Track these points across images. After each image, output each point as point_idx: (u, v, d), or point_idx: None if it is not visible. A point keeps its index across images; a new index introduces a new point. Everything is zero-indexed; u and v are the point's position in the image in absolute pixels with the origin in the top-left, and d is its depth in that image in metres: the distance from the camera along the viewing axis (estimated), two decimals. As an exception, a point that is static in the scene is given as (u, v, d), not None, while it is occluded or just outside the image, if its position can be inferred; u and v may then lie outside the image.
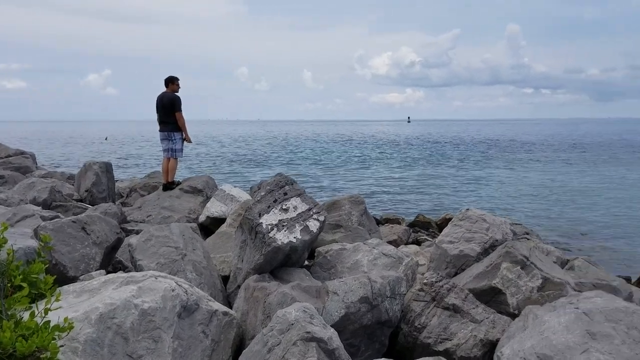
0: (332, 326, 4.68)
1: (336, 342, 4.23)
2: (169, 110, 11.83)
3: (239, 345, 5.08)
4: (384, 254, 6.78)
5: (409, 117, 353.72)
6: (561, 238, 16.21)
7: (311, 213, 6.42)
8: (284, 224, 6.06)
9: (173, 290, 4.59)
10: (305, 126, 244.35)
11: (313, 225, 6.28)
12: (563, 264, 8.17)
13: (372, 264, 6.66)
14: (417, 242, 11.48)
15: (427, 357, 4.36)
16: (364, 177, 32.73)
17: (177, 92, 12.06)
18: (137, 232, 8.57)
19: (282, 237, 5.87)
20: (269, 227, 5.93)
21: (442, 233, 7.80)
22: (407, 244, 10.81)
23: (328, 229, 8.58)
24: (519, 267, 6.22)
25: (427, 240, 11.54)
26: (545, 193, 26.12)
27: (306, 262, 7.26)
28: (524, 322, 5.00)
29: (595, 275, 7.36)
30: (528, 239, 8.81)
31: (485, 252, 7.13)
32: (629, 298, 7.02)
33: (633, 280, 11.34)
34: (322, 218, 6.44)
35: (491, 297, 6.19)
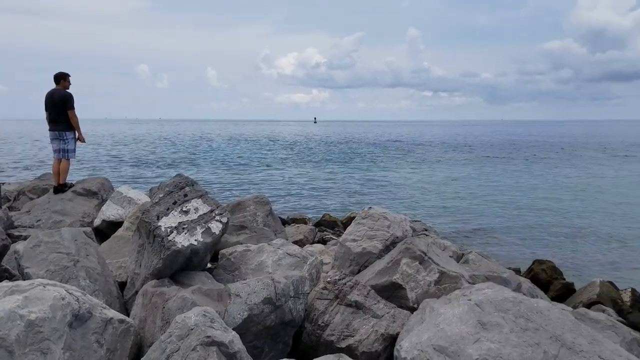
0: (234, 329, 4.58)
1: (237, 345, 4.14)
2: (60, 108, 11.14)
3: (137, 353, 4.85)
4: (288, 254, 6.77)
5: (315, 118, 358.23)
6: (458, 233, 17.07)
7: (213, 215, 6.27)
8: (184, 226, 5.87)
9: (63, 299, 4.32)
10: (210, 125, 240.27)
11: (215, 227, 6.13)
12: (459, 258, 8.57)
13: (277, 265, 6.62)
14: (323, 241, 11.59)
15: (328, 355, 4.38)
16: (271, 178, 32.69)
17: (68, 89, 11.39)
18: (25, 238, 7.99)
19: (183, 240, 5.68)
20: (168, 230, 5.72)
21: (345, 232, 7.92)
22: (312, 243, 10.89)
23: (232, 231, 8.44)
24: (417, 263, 6.43)
25: (333, 239, 11.69)
26: (444, 191, 27.42)
27: (209, 265, 7.09)
28: (421, 316, 5.17)
29: (487, 267, 7.78)
30: (427, 235, 9.17)
31: (387, 249, 7.32)
32: (518, 288, 7.48)
33: (522, 271, 12.14)
34: (224, 220, 6.31)
35: (392, 292, 6.35)
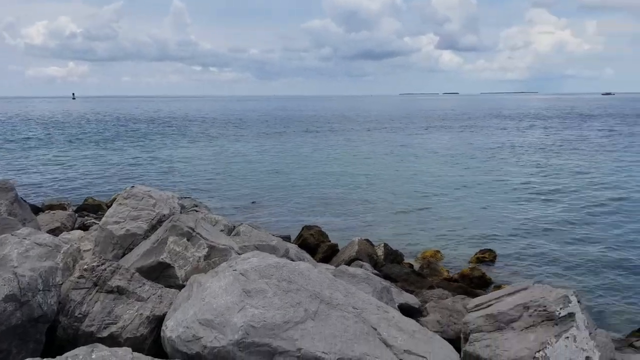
0: (-35, 337, 3.91)
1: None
2: None
3: None
4: (37, 244, 6.03)
5: (73, 94, 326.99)
6: (231, 207, 17.30)
7: None
8: None
9: None
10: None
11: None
12: (230, 230, 8.62)
13: (24, 257, 5.84)
14: (85, 227, 10.67)
15: (81, 347, 3.99)
16: (25, 161, 29.09)
17: None
18: None
19: None
20: None
21: (106, 214, 7.35)
22: (72, 229, 9.94)
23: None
24: (185, 239, 6.27)
25: (96, 223, 10.83)
26: (218, 166, 27.53)
27: None
28: (188, 292, 5.05)
29: (257, 237, 7.96)
30: (197, 211, 9.02)
31: (153, 228, 7.01)
32: (286, 254, 7.83)
33: (293, 239, 12.80)
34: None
35: (160, 272, 6.10)
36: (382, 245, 12.00)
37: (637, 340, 7.12)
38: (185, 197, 11.83)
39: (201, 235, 6.39)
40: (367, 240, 11.95)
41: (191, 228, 6.39)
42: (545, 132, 49.98)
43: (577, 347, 4.69)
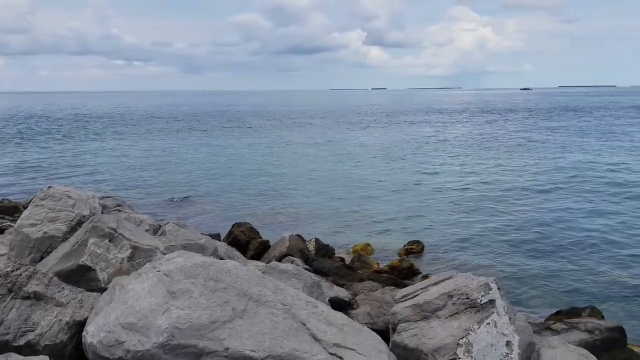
0: None
1: None
2: None
3: None
4: (-57, 250, 5.62)
5: None
6: (158, 206, 16.82)
7: None
8: None
9: None
10: None
11: None
12: (156, 230, 8.39)
13: None
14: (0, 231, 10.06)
15: (-8, 359, 3.76)
16: None
17: None
18: None
19: None
20: None
21: (21, 216, 6.95)
22: (-15, 234, 9.34)
23: None
24: (107, 241, 6.03)
25: (11, 226, 10.22)
26: (143, 164, 26.72)
27: None
28: (110, 295, 4.86)
29: (184, 236, 7.78)
30: (120, 211, 8.71)
31: (73, 230, 6.70)
32: (215, 252, 7.70)
33: (222, 237, 12.62)
34: None
35: (81, 275, 5.85)
36: (314, 240, 12.05)
37: (554, 323, 7.50)
38: (108, 197, 11.40)
39: (124, 236, 6.17)
40: (299, 236, 11.96)
41: (113, 229, 6.15)
42: (470, 126, 51.93)
43: (497, 332, 4.89)
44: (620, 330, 7.11)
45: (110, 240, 6.01)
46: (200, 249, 7.40)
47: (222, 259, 6.59)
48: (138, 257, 6.05)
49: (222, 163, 27.20)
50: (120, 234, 6.12)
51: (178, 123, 59.08)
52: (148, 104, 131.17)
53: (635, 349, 7.37)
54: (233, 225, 12.89)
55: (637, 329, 8.65)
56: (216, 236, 11.87)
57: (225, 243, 10.33)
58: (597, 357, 5.72)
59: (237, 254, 9.07)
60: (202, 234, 8.98)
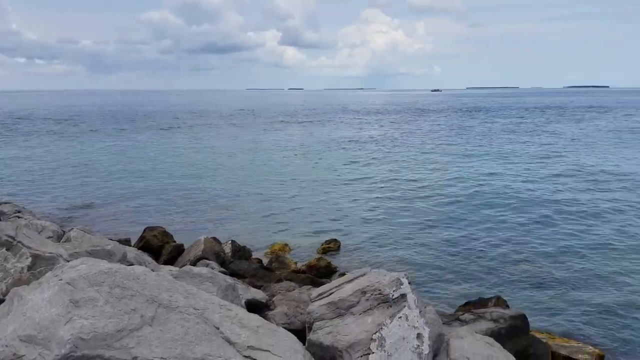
0: None
1: None
2: None
3: None
4: None
5: None
6: (62, 212, 15.92)
7: None
8: None
9: None
10: None
11: None
12: (60, 237, 7.95)
13: None
14: None
15: None
16: None
17: None
18: None
19: None
20: None
21: None
22: None
23: None
24: (4, 249, 5.65)
25: None
26: (50, 167, 25.23)
27: None
28: (8, 307, 4.53)
29: (90, 242, 7.42)
30: (19, 217, 8.18)
31: (-35, 239, 6.19)
32: (124, 258, 7.39)
33: (134, 242, 12.14)
34: None
35: (-27, 288, 5.41)
36: (230, 242, 11.89)
37: (463, 314, 7.82)
38: (6, 203, 10.65)
39: (23, 244, 5.80)
40: (214, 238, 11.75)
41: (11, 237, 5.77)
42: (385, 125, 53.33)
43: (409, 325, 5.03)
44: (523, 318, 7.50)
45: (8, 249, 5.63)
46: (107, 255, 7.08)
47: (131, 264, 6.34)
48: (39, 265, 5.71)
49: (135, 166, 26.21)
50: (19, 241, 5.75)
51: (85, 124, 56.25)
52: (52, 104, 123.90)
53: (538, 336, 7.84)
54: (145, 230, 12.45)
55: (539, 317, 9.22)
56: (126, 241, 11.43)
57: (136, 248, 9.95)
58: (502, 344, 6.02)
59: (149, 259, 8.75)
60: (110, 239, 8.61)
